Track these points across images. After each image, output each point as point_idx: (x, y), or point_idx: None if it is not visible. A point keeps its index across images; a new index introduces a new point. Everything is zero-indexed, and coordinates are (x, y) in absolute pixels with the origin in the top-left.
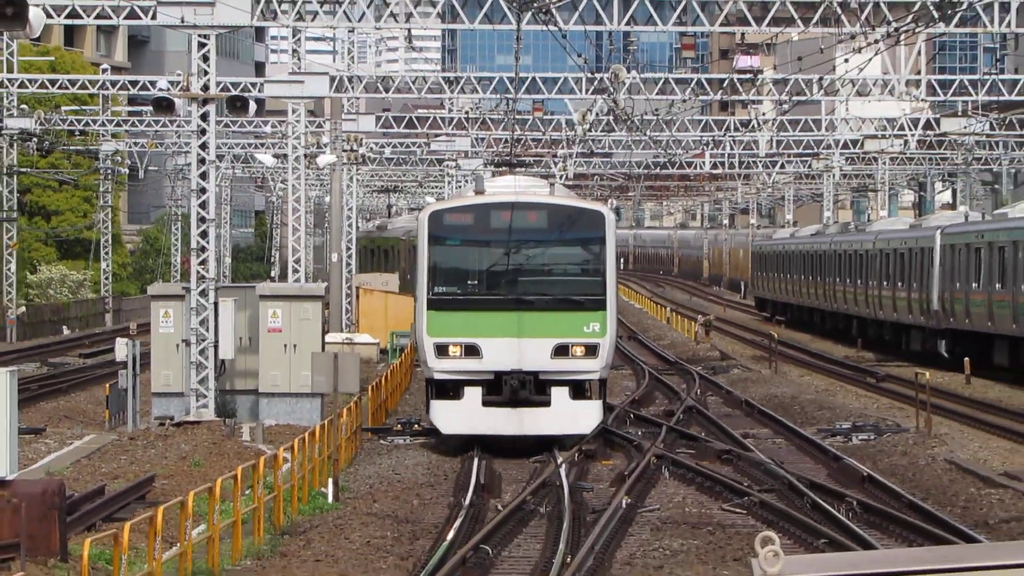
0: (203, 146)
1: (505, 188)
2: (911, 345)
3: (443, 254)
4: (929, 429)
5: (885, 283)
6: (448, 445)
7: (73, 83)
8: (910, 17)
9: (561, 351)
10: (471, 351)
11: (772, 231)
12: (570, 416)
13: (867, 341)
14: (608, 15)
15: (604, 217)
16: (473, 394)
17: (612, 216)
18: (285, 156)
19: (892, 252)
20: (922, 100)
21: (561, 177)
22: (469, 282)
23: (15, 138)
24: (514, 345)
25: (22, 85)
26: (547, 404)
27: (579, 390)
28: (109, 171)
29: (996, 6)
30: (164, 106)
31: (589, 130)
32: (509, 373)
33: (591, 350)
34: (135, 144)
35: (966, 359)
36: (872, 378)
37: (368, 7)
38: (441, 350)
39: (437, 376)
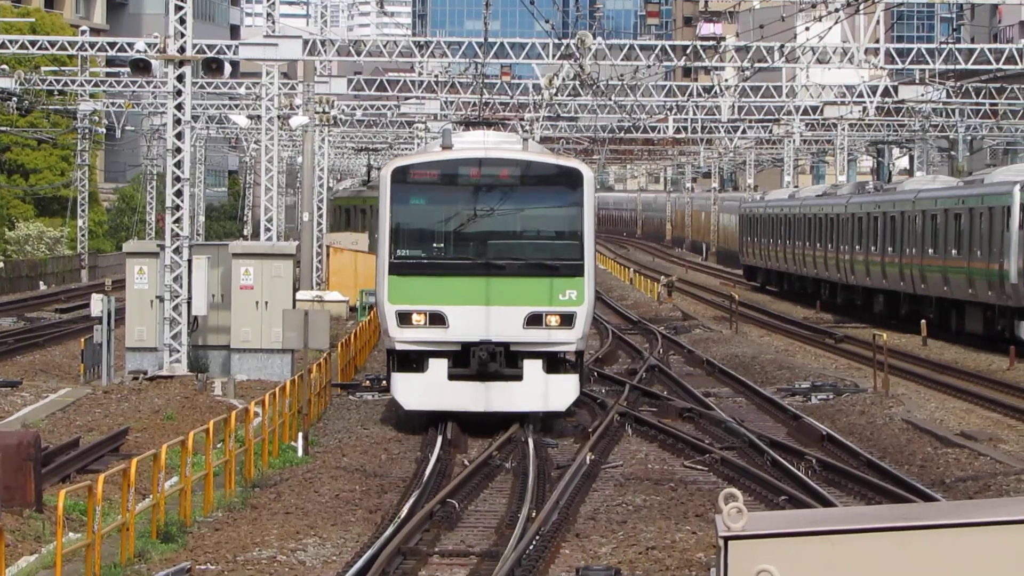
0: (179, 107)
1: (475, 143)
2: (968, 325)
3: (406, 214)
4: (887, 389)
5: (931, 251)
6: (410, 420)
7: (52, 44)
8: None
9: (534, 320)
10: (436, 319)
11: (764, 192)
12: (544, 391)
13: (901, 319)
14: None
15: (582, 175)
16: (438, 366)
17: (590, 174)
18: (259, 117)
19: (943, 213)
20: (880, 68)
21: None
22: (435, 245)
23: None
24: (483, 313)
25: (3, 46)
26: (519, 378)
27: (554, 363)
28: (87, 130)
29: None
30: (141, 67)
31: (556, 95)
32: (477, 344)
33: (567, 319)
34: (112, 104)
35: (923, 321)
36: (831, 339)
37: None
38: (404, 318)
39: (399, 346)
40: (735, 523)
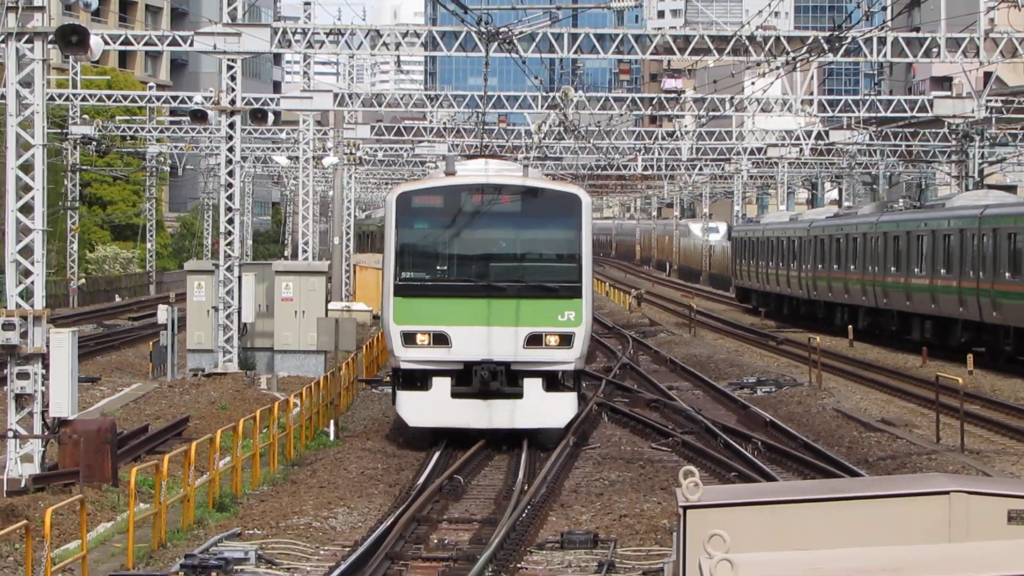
0: (230, 149)
1: (477, 170)
2: None
3: (411, 237)
4: (820, 383)
5: (1008, 274)
6: (412, 437)
7: (125, 97)
8: (805, 48)
9: (534, 340)
10: (440, 339)
11: (758, 216)
12: (543, 409)
13: (969, 353)
14: (559, 45)
15: (580, 200)
16: (442, 385)
17: (588, 199)
18: (296, 158)
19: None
20: (814, 116)
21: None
22: (438, 267)
23: (78, 142)
24: (485, 334)
25: (84, 99)
26: (519, 396)
27: (553, 381)
28: (154, 169)
29: (875, 40)
30: (199, 117)
31: (544, 138)
32: (479, 363)
33: (566, 340)
34: (175, 147)
35: (850, 326)
36: (773, 341)
37: (365, 37)
38: (408, 338)
39: (404, 365)
40: (692, 495)
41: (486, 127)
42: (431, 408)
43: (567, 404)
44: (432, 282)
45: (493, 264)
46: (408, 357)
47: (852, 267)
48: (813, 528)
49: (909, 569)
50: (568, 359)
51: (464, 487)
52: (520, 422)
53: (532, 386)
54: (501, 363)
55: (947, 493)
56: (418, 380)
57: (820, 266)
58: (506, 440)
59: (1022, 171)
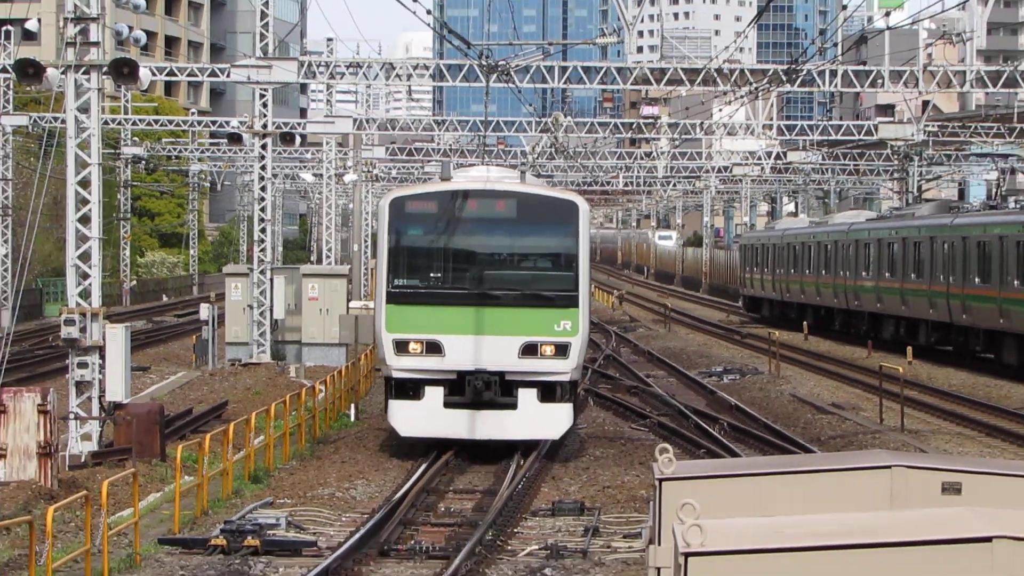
0: (262, 167)
1: (474, 177)
2: None
3: (404, 244)
4: (778, 372)
5: None
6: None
7: (170, 122)
8: (766, 79)
9: (529, 350)
10: (433, 348)
11: (773, 223)
12: (538, 420)
13: None
14: (551, 76)
15: (578, 208)
16: (434, 394)
17: (586, 207)
18: (320, 175)
19: None
20: (774, 138)
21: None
22: (432, 274)
23: (129, 161)
24: (479, 343)
25: (134, 123)
26: (513, 407)
27: (548, 392)
28: (195, 184)
29: (827, 73)
30: (235, 139)
31: (537, 158)
32: (473, 373)
33: (561, 350)
34: (214, 165)
35: (804, 322)
36: (737, 335)
37: (380, 69)
38: (401, 347)
39: (396, 374)
40: (667, 469)
41: (487, 148)
42: (423, 418)
43: (562, 415)
44: (425, 290)
45: (488, 272)
46: (400, 366)
47: (914, 275)
48: (772, 498)
49: (855, 533)
50: (564, 370)
51: (468, 463)
52: (514, 433)
53: (527, 397)
54: (495, 373)
55: (889, 467)
56: (410, 389)
57: (865, 273)
58: (500, 451)
59: (955, 187)
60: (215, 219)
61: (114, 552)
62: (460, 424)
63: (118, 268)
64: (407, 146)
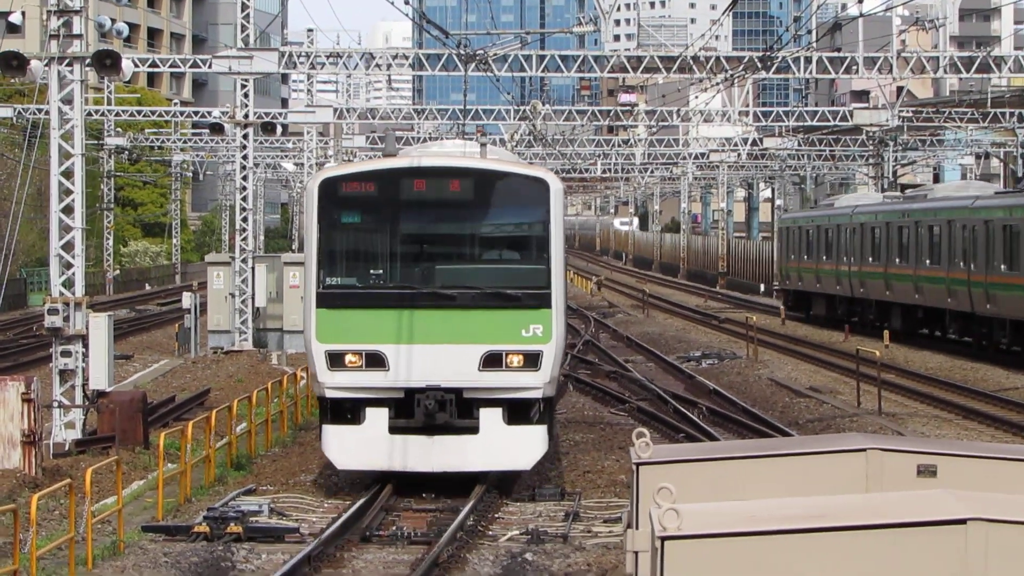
0: (244, 157)
1: (427, 152)
2: None
3: (337, 234)
4: (756, 356)
5: None
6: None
7: (153, 112)
8: (741, 67)
9: (492, 361)
10: (374, 361)
11: (833, 198)
12: (504, 446)
13: None
14: (529, 65)
15: (548, 185)
16: (377, 417)
17: (559, 185)
18: (302, 164)
19: None
20: (750, 125)
21: None
22: (372, 271)
23: (112, 151)
24: (431, 353)
25: (117, 114)
26: (474, 430)
27: (516, 412)
28: (178, 174)
29: (802, 59)
30: (217, 129)
31: (516, 146)
32: (423, 390)
33: (531, 360)
34: (196, 155)
35: (782, 306)
36: (715, 320)
37: (360, 59)
38: (335, 360)
39: (329, 394)
40: (644, 453)
41: (466, 136)
42: (364, 447)
43: (534, 440)
44: (364, 290)
45: (440, 267)
46: (335, 383)
47: None
48: (749, 481)
49: (830, 516)
50: (535, 384)
51: None
52: (475, 463)
53: (490, 418)
54: (451, 390)
55: (864, 450)
56: (348, 412)
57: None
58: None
59: (929, 172)
60: (197, 208)
61: (98, 539)
62: (409, 453)
63: (101, 257)
64: (387, 135)
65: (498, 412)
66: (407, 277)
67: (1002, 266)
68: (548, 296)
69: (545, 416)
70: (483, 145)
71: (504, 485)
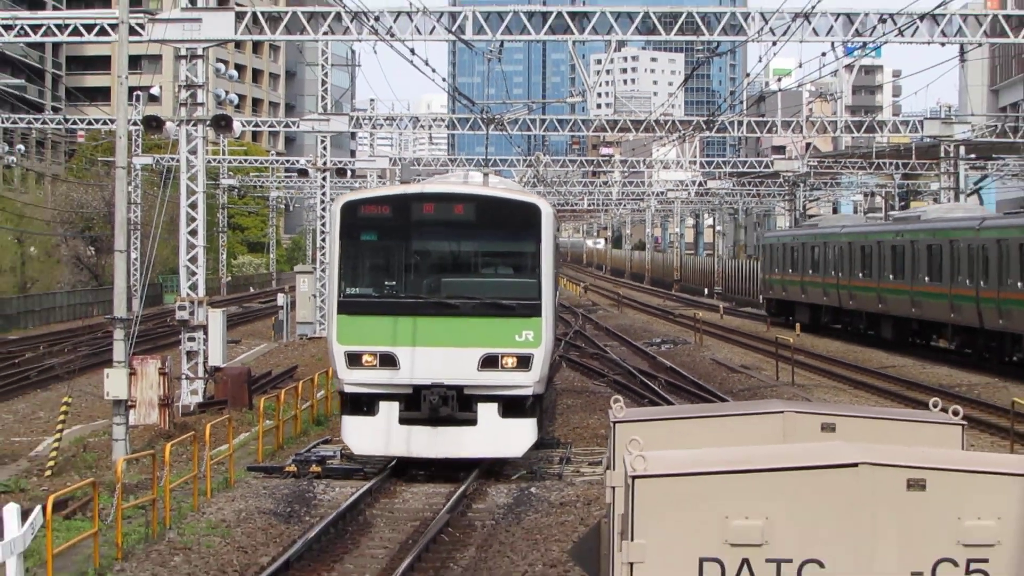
0: (323, 193)
1: (439, 180)
2: None
3: (356, 251)
4: (701, 342)
5: None
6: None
7: (256, 160)
8: (691, 127)
9: (489, 362)
10: (387, 361)
11: (816, 220)
12: (499, 436)
13: None
14: (534, 126)
15: (539, 211)
16: (389, 410)
17: (549, 209)
18: None
19: None
20: (697, 171)
21: None
22: (386, 283)
23: (225, 189)
24: (436, 355)
25: (229, 162)
26: (473, 422)
27: (510, 407)
28: (274, 206)
29: (736, 123)
30: (303, 173)
31: (524, 185)
32: (429, 387)
33: (523, 361)
34: (288, 192)
35: (721, 305)
36: (671, 315)
37: (409, 121)
38: (353, 360)
39: (348, 388)
40: (619, 414)
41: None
42: (377, 434)
43: (525, 431)
44: (379, 299)
45: (445, 280)
46: (353, 380)
47: None
48: (697, 435)
49: (756, 460)
50: (526, 383)
51: None
52: (473, 451)
53: (487, 412)
54: (453, 387)
55: (782, 412)
56: (364, 404)
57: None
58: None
59: (829, 206)
60: (289, 231)
61: (214, 477)
62: (416, 441)
63: (217, 268)
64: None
65: (494, 407)
66: (416, 288)
67: (1019, 283)
68: (539, 306)
69: (535, 410)
70: (486, 175)
71: (498, 468)
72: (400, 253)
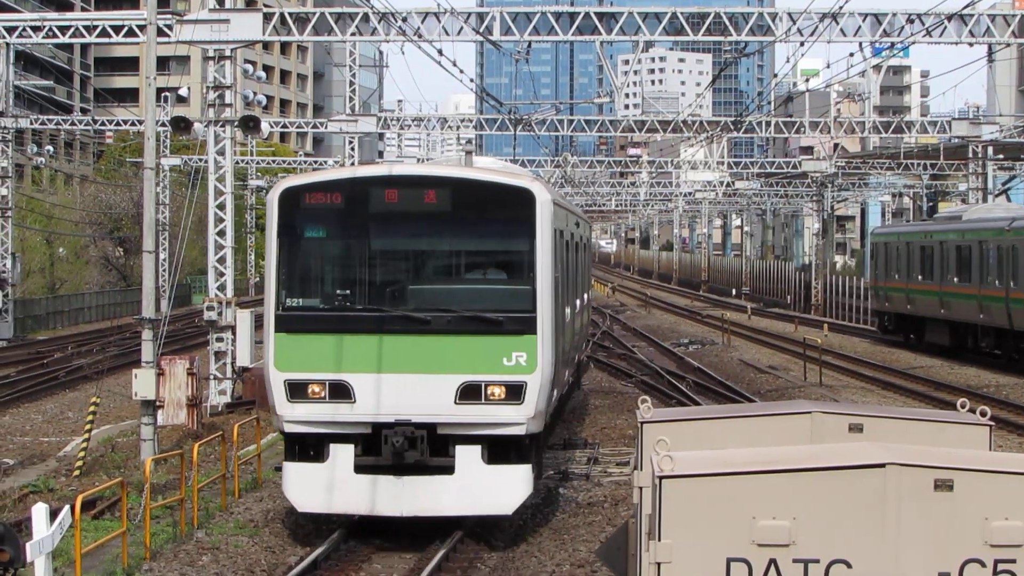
0: None
1: (407, 162)
2: None
3: (299, 251)
4: (729, 343)
5: None
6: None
7: (284, 162)
8: (719, 128)
9: (470, 393)
10: (339, 392)
11: (956, 212)
12: (483, 488)
13: None
14: (561, 126)
15: (534, 197)
16: (342, 454)
17: (546, 196)
18: None
19: None
20: (725, 171)
21: None
22: (337, 292)
23: (253, 190)
24: (401, 383)
25: (257, 163)
26: (449, 470)
27: (498, 450)
28: None
29: (763, 123)
30: None
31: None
32: (393, 425)
33: (514, 391)
34: None
35: (749, 305)
36: (699, 316)
37: (437, 121)
38: (296, 390)
39: (289, 428)
40: (647, 414)
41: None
42: (327, 487)
43: (517, 481)
44: (328, 312)
45: (413, 287)
46: (295, 416)
47: None
48: (724, 435)
49: (784, 461)
50: (517, 419)
51: None
52: (450, 507)
53: (467, 457)
54: (423, 425)
55: (809, 413)
56: (310, 448)
57: None
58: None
59: (857, 208)
60: None
61: (242, 476)
62: (377, 494)
63: (246, 268)
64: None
65: (476, 450)
66: (376, 299)
67: None
68: (533, 320)
69: (530, 454)
70: (468, 153)
71: (485, 531)
72: (356, 254)
